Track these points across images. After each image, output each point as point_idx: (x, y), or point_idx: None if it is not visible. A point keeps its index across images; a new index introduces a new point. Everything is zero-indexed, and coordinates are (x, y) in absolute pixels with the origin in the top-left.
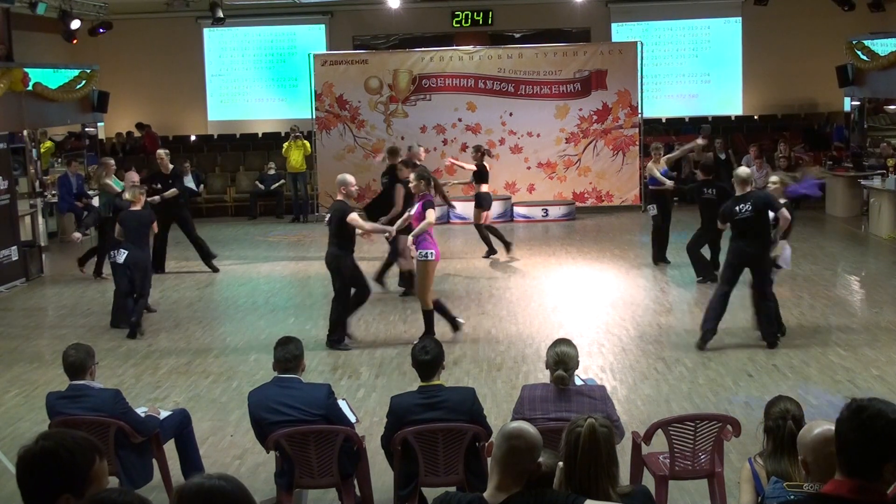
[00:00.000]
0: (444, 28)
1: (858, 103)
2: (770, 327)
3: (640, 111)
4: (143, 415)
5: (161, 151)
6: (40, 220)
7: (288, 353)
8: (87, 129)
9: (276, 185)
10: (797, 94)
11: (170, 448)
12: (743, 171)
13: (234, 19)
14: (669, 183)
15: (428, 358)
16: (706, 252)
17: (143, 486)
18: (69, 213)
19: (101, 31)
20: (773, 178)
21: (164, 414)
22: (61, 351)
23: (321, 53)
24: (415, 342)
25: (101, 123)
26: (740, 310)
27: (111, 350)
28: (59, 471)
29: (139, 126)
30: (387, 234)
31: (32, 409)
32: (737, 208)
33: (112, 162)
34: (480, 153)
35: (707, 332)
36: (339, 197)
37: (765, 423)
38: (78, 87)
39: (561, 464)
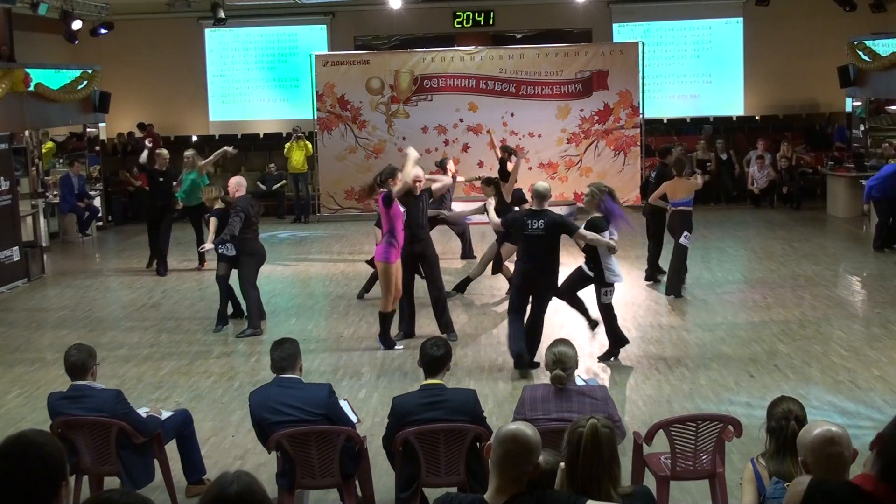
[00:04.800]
0: (446, 28)
1: (860, 104)
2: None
3: (641, 112)
4: (144, 415)
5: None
6: (42, 220)
7: (283, 353)
8: (87, 129)
9: (278, 185)
10: (798, 95)
11: (171, 448)
12: (542, 185)
13: (235, 20)
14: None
15: (439, 354)
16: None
17: (145, 486)
18: (71, 214)
19: (103, 31)
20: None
21: (165, 414)
22: (63, 351)
23: (322, 54)
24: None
25: (103, 124)
26: (741, 310)
27: (112, 350)
28: (55, 463)
29: (140, 126)
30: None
31: (34, 410)
32: (529, 223)
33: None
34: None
35: (519, 356)
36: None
37: (767, 423)
38: (79, 87)
39: (563, 464)
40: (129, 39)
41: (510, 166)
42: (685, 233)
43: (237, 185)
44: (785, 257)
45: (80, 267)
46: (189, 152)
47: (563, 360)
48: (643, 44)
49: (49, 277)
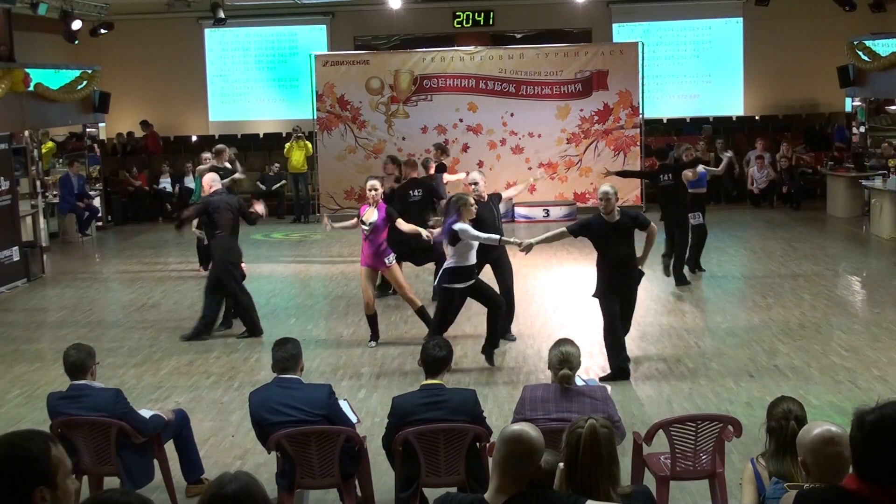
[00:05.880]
0: (446, 28)
1: (860, 104)
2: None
3: (641, 111)
4: (149, 415)
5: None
6: (41, 220)
7: (286, 353)
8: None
9: (278, 185)
10: (798, 95)
11: (170, 448)
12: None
13: (235, 20)
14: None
15: (442, 355)
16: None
17: (145, 486)
18: (70, 214)
19: (103, 31)
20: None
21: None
22: (62, 351)
23: (322, 54)
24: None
25: (103, 124)
26: (741, 310)
27: (112, 350)
28: (23, 466)
29: (143, 124)
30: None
31: (34, 410)
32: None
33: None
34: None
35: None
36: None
37: (767, 423)
38: (79, 87)
39: (562, 464)
40: (129, 39)
41: (447, 161)
42: (696, 213)
43: (211, 181)
44: (785, 257)
45: (80, 267)
46: (228, 149)
47: (570, 359)
48: (643, 44)
49: (49, 277)
